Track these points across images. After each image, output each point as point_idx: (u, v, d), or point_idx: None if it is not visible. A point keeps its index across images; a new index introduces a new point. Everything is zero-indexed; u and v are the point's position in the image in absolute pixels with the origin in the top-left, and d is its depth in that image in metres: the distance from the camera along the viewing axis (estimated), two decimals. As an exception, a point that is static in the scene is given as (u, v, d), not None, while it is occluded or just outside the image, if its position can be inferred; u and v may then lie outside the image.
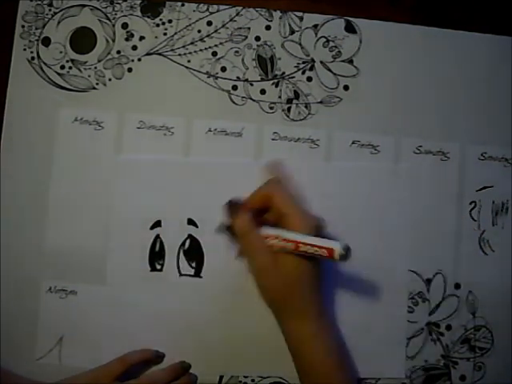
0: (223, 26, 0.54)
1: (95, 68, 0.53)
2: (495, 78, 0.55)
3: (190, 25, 0.54)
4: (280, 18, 0.54)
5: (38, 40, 0.53)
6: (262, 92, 0.54)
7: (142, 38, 0.54)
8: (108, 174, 0.53)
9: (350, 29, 0.54)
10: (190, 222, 0.52)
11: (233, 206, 0.49)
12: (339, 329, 0.51)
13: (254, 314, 0.51)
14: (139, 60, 0.54)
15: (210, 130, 0.53)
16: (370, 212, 0.53)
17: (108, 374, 0.49)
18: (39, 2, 0.54)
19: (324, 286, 0.48)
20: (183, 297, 0.52)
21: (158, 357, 0.51)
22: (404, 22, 0.55)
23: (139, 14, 0.54)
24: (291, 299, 0.46)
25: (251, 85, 0.54)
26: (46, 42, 0.53)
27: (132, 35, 0.54)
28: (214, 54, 0.54)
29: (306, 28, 0.54)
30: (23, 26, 0.53)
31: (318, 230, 0.46)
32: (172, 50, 0.54)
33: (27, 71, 0.53)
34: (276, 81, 0.54)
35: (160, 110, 0.53)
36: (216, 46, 0.54)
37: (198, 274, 0.52)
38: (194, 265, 0.52)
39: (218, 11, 0.54)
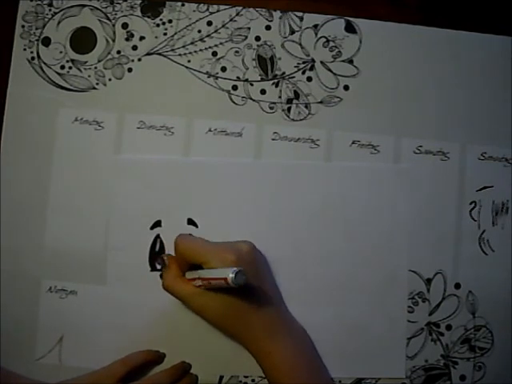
0: (223, 26, 0.54)
1: (95, 68, 0.53)
2: (495, 77, 0.55)
3: (190, 25, 0.54)
4: (280, 17, 0.54)
5: (38, 40, 0.53)
6: (262, 92, 0.54)
7: (142, 38, 0.54)
8: (108, 174, 0.53)
9: (350, 29, 0.54)
10: (190, 221, 0.52)
11: (163, 262, 0.51)
12: (302, 338, 0.51)
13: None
14: (139, 60, 0.54)
15: (210, 130, 0.53)
16: (369, 212, 0.53)
17: (110, 375, 0.49)
18: (39, 2, 0.54)
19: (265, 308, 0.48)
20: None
21: (159, 357, 0.52)
22: (404, 22, 0.55)
23: (139, 14, 0.54)
24: (226, 330, 0.49)
25: (251, 85, 0.54)
26: (46, 41, 0.53)
27: (132, 35, 0.54)
28: (214, 53, 0.54)
29: (306, 28, 0.54)
30: (23, 26, 0.53)
31: (240, 261, 0.46)
32: (172, 50, 0.54)
33: (27, 71, 0.53)
34: (276, 81, 0.54)
35: (160, 109, 0.53)
36: (216, 45, 0.54)
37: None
38: (194, 265, 0.52)
39: (218, 11, 0.54)
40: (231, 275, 0.42)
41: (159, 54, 0.54)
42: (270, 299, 0.48)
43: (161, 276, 0.51)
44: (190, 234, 0.52)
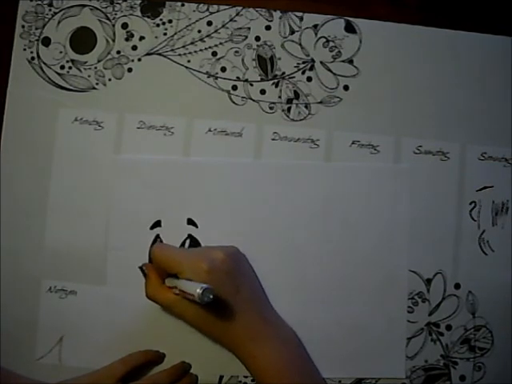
0: (223, 26, 0.54)
1: (95, 68, 0.53)
2: (495, 77, 0.55)
3: (189, 25, 0.54)
4: (280, 18, 0.54)
5: (37, 40, 0.53)
6: (262, 92, 0.54)
7: (141, 38, 0.54)
8: (108, 174, 0.53)
9: (349, 29, 0.54)
10: (190, 221, 0.52)
11: (143, 271, 0.51)
12: (291, 341, 0.50)
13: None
14: (139, 60, 0.54)
15: (210, 130, 0.53)
16: (369, 212, 0.53)
17: (110, 375, 0.49)
18: (39, 2, 0.54)
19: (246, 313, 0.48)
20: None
21: (159, 357, 0.52)
22: (404, 22, 0.55)
23: (139, 14, 0.54)
24: (210, 337, 0.50)
25: (251, 85, 0.54)
26: (46, 41, 0.53)
27: (132, 35, 0.54)
28: (214, 54, 0.54)
29: (306, 28, 0.54)
30: (23, 26, 0.53)
31: (213, 271, 0.46)
32: (172, 50, 0.54)
33: (27, 71, 0.53)
34: (276, 81, 0.54)
35: (160, 110, 0.53)
36: (216, 46, 0.54)
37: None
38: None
39: (218, 11, 0.54)
40: (198, 291, 0.42)
41: (159, 54, 0.54)
42: (251, 304, 0.48)
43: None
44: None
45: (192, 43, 0.54)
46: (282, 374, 0.47)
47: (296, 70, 0.54)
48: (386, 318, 0.53)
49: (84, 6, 0.54)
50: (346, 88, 0.54)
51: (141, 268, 0.52)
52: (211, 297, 0.43)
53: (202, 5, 0.54)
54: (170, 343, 0.52)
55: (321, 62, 0.54)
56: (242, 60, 0.54)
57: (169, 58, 0.54)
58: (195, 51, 0.54)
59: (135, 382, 0.49)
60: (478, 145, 0.54)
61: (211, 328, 0.48)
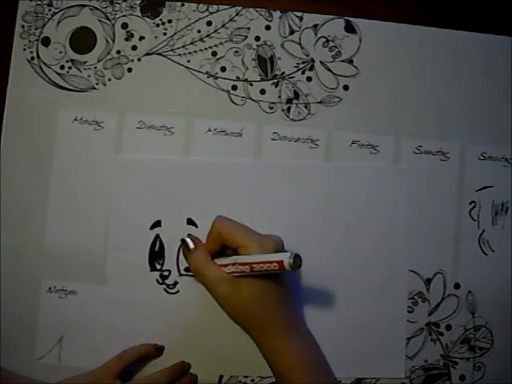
0: (223, 26, 0.54)
1: (95, 68, 0.53)
2: (495, 77, 0.55)
3: (189, 25, 0.54)
4: (280, 17, 0.54)
5: (37, 40, 0.53)
6: (262, 92, 0.54)
7: (141, 38, 0.54)
8: (108, 174, 0.53)
9: (349, 29, 0.54)
10: (190, 221, 0.52)
11: (187, 247, 0.50)
12: (311, 338, 0.50)
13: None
14: (139, 60, 0.54)
15: (209, 130, 0.53)
16: (369, 212, 0.53)
17: (108, 372, 0.49)
18: (39, 2, 0.54)
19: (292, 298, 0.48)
20: (183, 296, 0.52)
21: (158, 349, 0.51)
22: (404, 22, 0.55)
23: (139, 14, 0.54)
24: (252, 320, 0.47)
25: (251, 85, 0.54)
26: (46, 41, 0.53)
27: (132, 35, 0.54)
28: (214, 53, 0.54)
29: (306, 28, 0.54)
30: (23, 26, 0.53)
31: (276, 250, 0.46)
32: (172, 49, 0.54)
33: (27, 71, 0.53)
34: (276, 81, 0.54)
35: (160, 109, 0.53)
36: (216, 45, 0.54)
37: (197, 273, 0.52)
38: (193, 265, 0.52)
39: (217, 11, 0.54)
40: (289, 259, 0.42)
41: (159, 53, 0.54)
42: (291, 296, 0.49)
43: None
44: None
45: (192, 43, 0.54)
46: (304, 372, 0.46)
47: (296, 69, 0.54)
48: (386, 318, 0.53)
49: (84, 6, 0.54)
50: (345, 88, 0.54)
51: (183, 240, 0.51)
52: (301, 264, 0.42)
53: (201, 5, 0.54)
54: (170, 343, 0.52)
55: (321, 62, 0.54)
56: (242, 60, 0.54)
57: (169, 58, 0.54)
58: (195, 51, 0.54)
59: (134, 382, 0.49)
60: (478, 145, 0.54)
61: (257, 312, 0.47)
